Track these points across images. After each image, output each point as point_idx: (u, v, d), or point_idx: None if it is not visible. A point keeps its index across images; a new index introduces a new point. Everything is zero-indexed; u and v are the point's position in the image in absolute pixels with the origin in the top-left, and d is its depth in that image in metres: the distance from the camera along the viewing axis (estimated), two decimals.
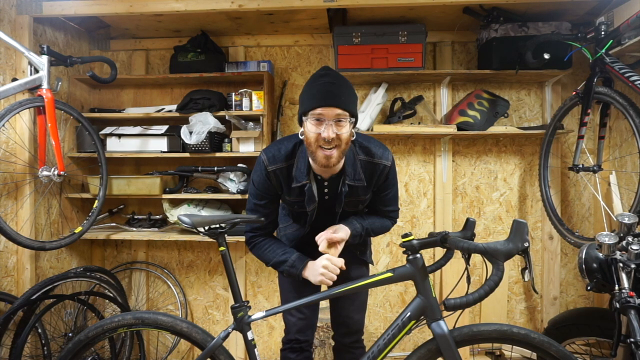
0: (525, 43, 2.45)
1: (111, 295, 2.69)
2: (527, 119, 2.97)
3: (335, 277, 1.61)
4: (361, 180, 1.67)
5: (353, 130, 1.59)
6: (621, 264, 1.51)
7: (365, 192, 1.73)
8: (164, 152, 2.82)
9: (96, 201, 2.65)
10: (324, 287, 1.91)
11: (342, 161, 1.65)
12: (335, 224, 1.74)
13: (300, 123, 1.60)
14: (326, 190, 1.71)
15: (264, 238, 1.76)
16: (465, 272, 1.51)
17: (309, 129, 1.54)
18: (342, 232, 1.68)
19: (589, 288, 1.62)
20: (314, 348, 2.55)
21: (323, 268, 1.60)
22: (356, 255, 1.89)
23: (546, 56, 2.36)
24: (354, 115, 1.57)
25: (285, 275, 1.73)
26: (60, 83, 2.47)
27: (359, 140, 1.70)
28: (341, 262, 1.62)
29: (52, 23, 2.70)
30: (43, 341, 2.39)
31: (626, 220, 1.62)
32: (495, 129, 2.77)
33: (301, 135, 1.61)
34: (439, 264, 1.60)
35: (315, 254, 1.67)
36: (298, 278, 1.67)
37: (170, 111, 2.92)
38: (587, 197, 2.94)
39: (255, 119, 2.86)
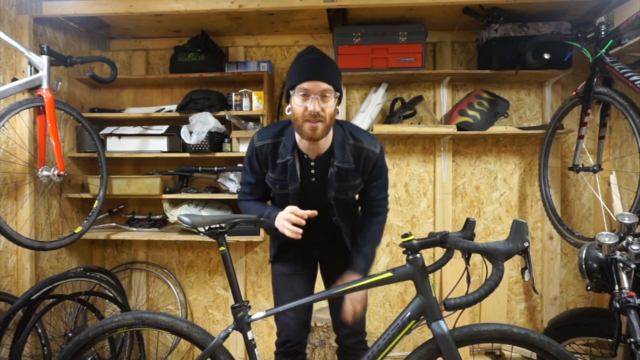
0: (526, 43, 2.45)
1: (111, 295, 2.69)
2: (527, 119, 2.97)
3: (298, 229, 1.60)
4: (350, 163, 1.71)
5: (337, 108, 1.64)
6: (621, 264, 1.51)
7: (355, 177, 1.75)
8: (164, 152, 2.82)
9: (96, 201, 2.65)
10: (321, 287, 1.90)
11: (330, 141, 1.70)
12: (329, 211, 1.77)
13: (288, 100, 1.65)
14: (313, 171, 1.73)
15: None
16: (465, 272, 1.51)
17: (296, 102, 1.59)
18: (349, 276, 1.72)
19: (589, 288, 1.62)
20: (314, 348, 2.55)
21: (282, 227, 1.63)
22: (347, 250, 1.85)
23: (546, 56, 2.36)
24: (338, 89, 1.62)
25: (265, 230, 1.75)
26: (60, 83, 2.47)
27: (349, 128, 1.76)
28: (289, 215, 1.62)
29: (52, 23, 2.70)
30: (43, 341, 2.39)
31: (626, 220, 1.62)
32: (495, 129, 2.76)
33: (288, 112, 1.65)
34: (439, 264, 1.60)
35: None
36: (272, 228, 1.68)
37: (170, 111, 2.92)
38: (587, 197, 2.94)
39: (255, 119, 2.86)
